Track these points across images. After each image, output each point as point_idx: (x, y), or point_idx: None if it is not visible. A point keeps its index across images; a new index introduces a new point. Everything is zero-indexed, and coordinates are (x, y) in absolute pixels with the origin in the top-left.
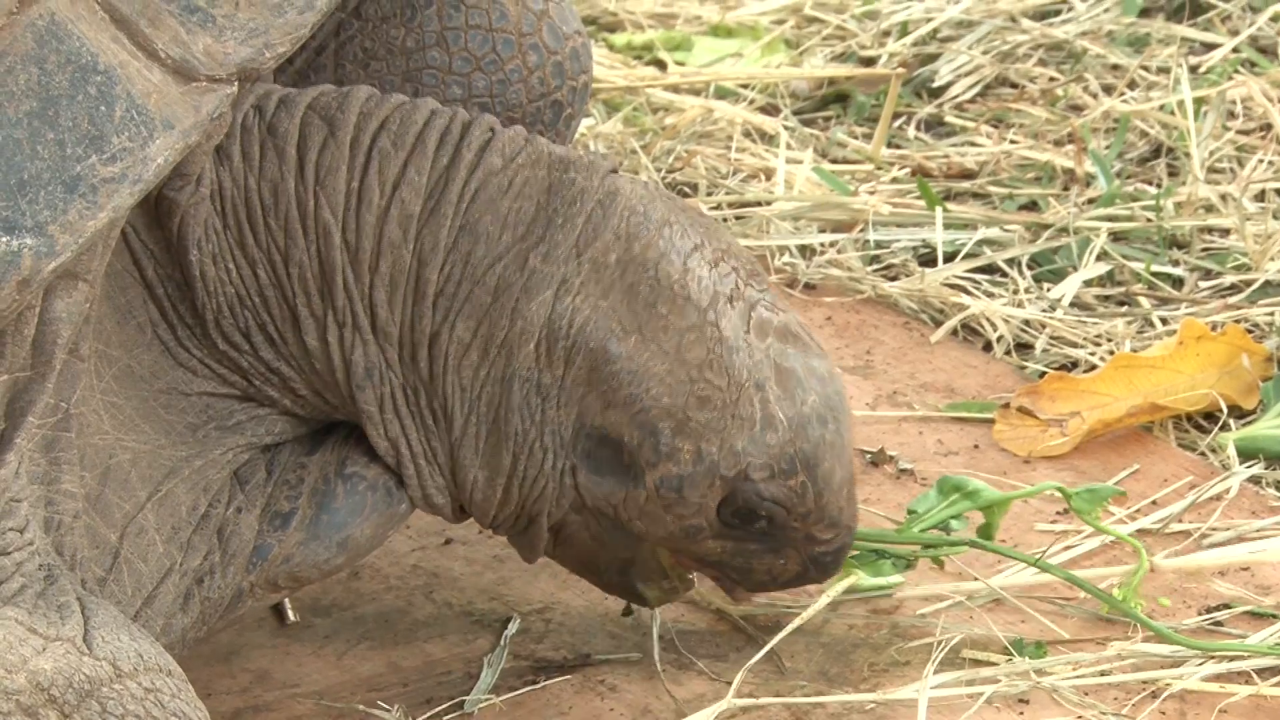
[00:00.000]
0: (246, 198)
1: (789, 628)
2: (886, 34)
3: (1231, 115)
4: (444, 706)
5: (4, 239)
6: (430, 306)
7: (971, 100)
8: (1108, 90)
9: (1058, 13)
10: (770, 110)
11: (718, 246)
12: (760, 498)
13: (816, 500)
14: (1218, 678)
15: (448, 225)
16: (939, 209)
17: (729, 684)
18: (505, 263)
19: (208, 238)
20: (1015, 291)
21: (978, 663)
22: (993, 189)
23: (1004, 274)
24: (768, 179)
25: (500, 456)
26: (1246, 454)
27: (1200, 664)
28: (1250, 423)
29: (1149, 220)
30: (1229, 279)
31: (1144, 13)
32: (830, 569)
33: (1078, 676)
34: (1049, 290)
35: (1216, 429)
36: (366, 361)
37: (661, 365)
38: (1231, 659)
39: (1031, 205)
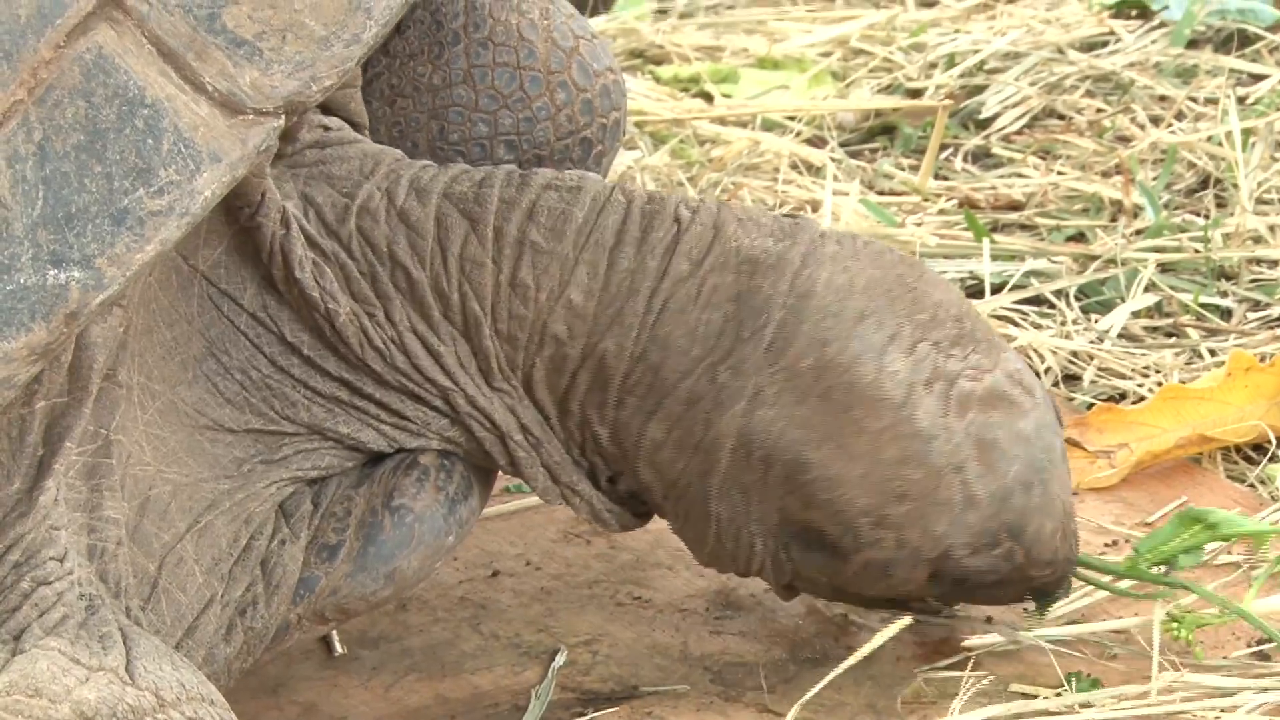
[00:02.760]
0: (374, 276)
1: (840, 668)
2: (933, 66)
3: (1279, 146)
4: None
5: (52, 272)
6: (615, 400)
7: (1019, 132)
8: (1155, 121)
9: (1105, 44)
10: (817, 142)
11: (917, 324)
12: (964, 570)
13: (1026, 555)
14: (1274, 710)
15: (634, 336)
16: (986, 240)
17: (778, 715)
18: (696, 376)
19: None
20: (1063, 323)
21: (1027, 696)
22: (1040, 220)
23: (1051, 305)
24: (814, 211)
25: (708, 536)
26: None
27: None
28: None
29: (1197, 251)
30: (1278, 310)
31: (1192, 44)
32: (1054, 591)
33: (1123, 709)
34: (1097, 322)
35: (1265, 460)
36: (536, 421)
37: (857, 470)
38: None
39: (1079, 236)
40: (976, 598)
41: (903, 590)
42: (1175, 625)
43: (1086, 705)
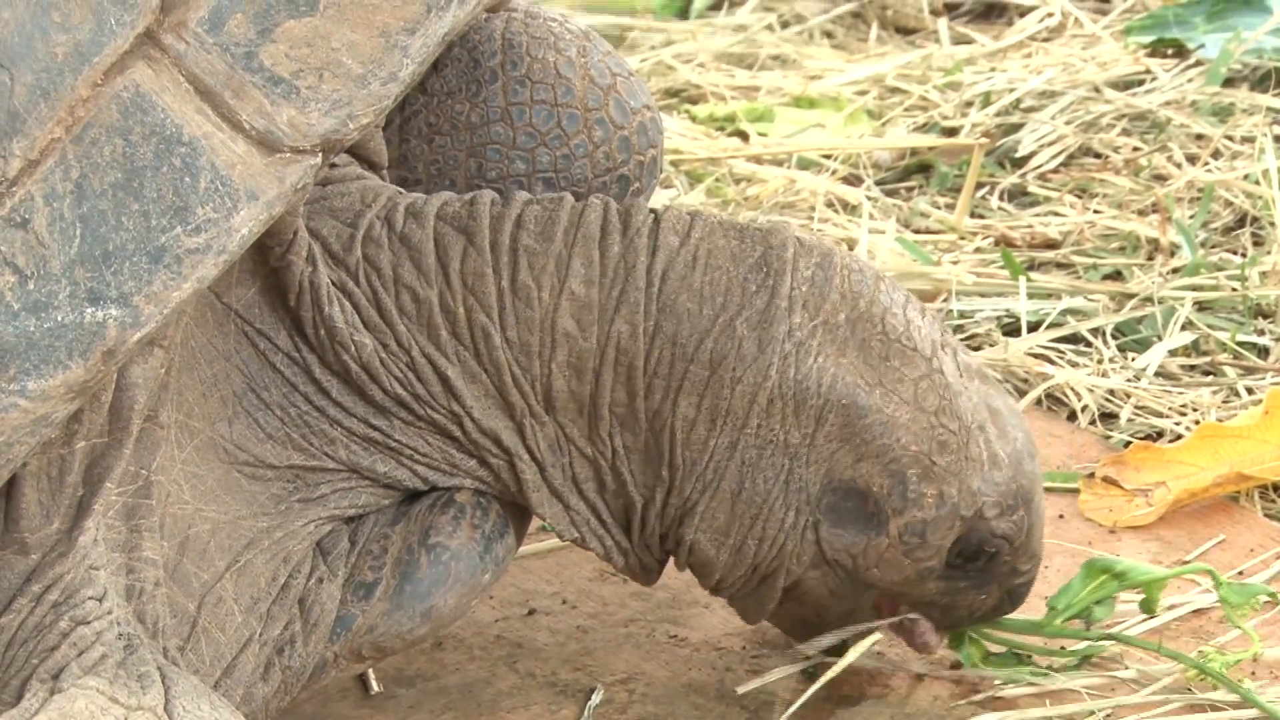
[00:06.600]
0: (378, 302)
1: (825, 677)
2: (969, 104)
3: None
4: None
5: (89, 310)
6: (644, 389)
7: (1055, 170)
8: (1192, 160)
9: (1141, 83)
10: (853, 181)
11: (914, 296)
12: (991, 535)
13: (1029, 532)
14: None
15: (642, 310)
16: (1022, 279)
17: None
18: (713, 336)
19: (332, 306)
20: (1100, 361)
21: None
22: (1076, 259)
23: (1088, 344)
24: (851, 249)
25: (736, 518)
26: None
27: None
28: None
29: (1234, 289)
30: None
31: (1228, 82)
32: (1022, 599)
33: None
34: (1134, 360)
35: None
36: (549, 442)
37: (905, 414)
38: None
39: (1116, 275)
40: (960, 607)
41: (921, 573)
42: (1207, 670)
43: None
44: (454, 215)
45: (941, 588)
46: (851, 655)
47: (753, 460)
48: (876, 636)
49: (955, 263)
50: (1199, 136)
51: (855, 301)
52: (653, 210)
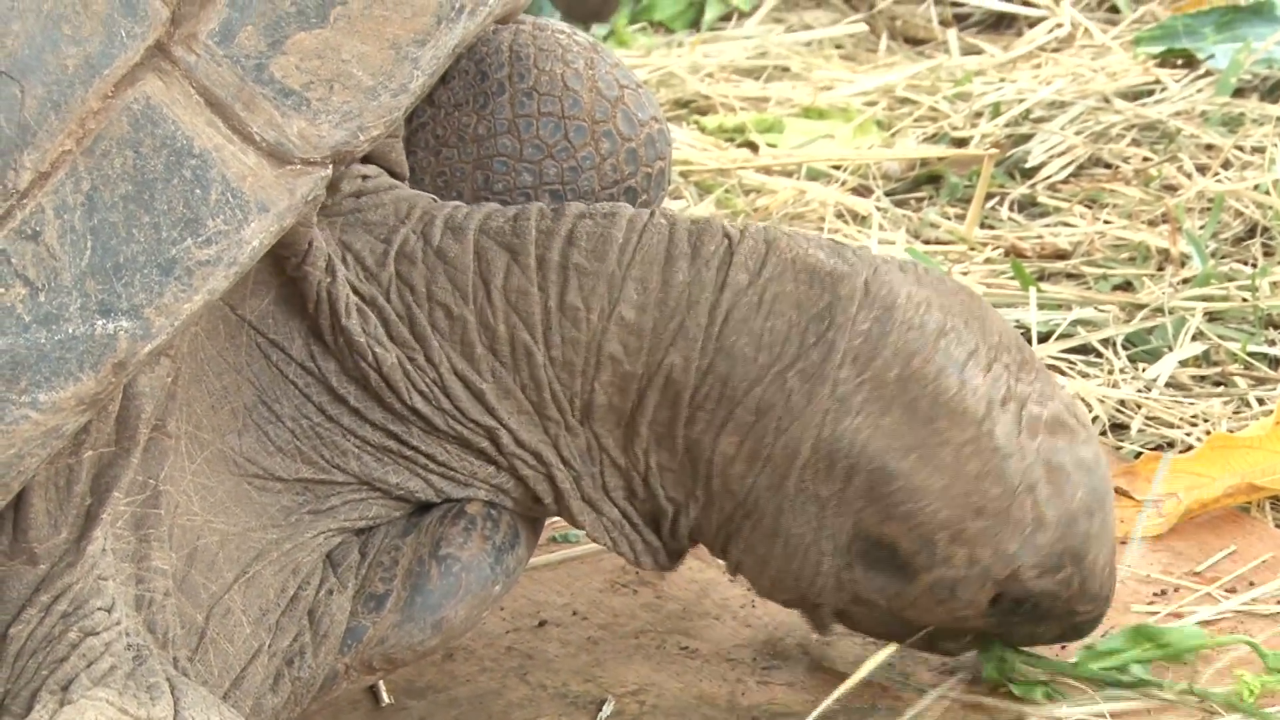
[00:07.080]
0: (411, 319)
1: (854, 677)
2: (979, 115)
3: None
4: None
5: (100, 322)
6: (686, 418)
7: (1065, 181)
8: (1202, 170)
9: (1151, 93)
10: (862, 191)
11: (990, 345)
12: (1029, 591)
13: (1081, 585)
14: None
15: (699, 347)
16: (1033, 289)
17: None
18: (764, 385)
19: (351, 316)
20: (1110, 372)
21: None
22: (1087, 269)
23: (1099, 354)
24: None
25: (773, 554)
26: None
27: None
28: None
29: (1244, 300)
30: None
31: (1238, 92)
32: (1088, 631)
33: None
34: (1144, 370)
35: None
36: (581, 451)
37: (939, 481)
38: None
39: (1126, 285)
40: (1018, 635)
41: (959, 619)
42: (1242, 709)
43: None
44: (497, 230)
45: (992, 622)
46: (865, 669)
47: (788, 504)
48: (892, 648)
49: (965, 273)
50: (1209, 147)
51: (909, 359)
52: (726, 235)
